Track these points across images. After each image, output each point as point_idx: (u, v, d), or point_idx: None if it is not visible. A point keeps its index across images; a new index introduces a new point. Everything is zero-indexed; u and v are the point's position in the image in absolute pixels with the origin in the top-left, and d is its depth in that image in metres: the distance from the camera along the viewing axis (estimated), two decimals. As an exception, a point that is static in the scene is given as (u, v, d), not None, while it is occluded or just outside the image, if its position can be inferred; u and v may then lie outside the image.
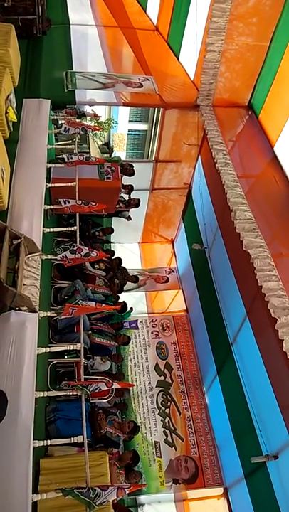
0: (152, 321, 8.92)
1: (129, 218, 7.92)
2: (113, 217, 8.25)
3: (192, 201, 8.77)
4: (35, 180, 5.44)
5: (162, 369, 8.23)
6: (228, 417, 6.80)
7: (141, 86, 7.36)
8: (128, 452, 5.59)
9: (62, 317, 4.77)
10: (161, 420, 7.57)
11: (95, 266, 7.09)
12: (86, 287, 6.37)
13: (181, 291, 9.60)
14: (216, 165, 6.31)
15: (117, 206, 7.41)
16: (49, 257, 5.11)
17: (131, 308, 7.61)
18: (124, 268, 7.44)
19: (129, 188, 7.53)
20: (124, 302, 7.14)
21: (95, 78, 7.27)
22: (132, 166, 7.38)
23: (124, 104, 7.69)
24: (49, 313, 4.75)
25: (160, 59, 8.26)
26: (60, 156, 6.67)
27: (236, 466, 6.33)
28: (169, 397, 7.86)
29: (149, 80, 7.49)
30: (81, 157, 5.93)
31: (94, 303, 5.11)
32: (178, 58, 7.95)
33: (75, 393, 4.29)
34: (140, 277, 9.61)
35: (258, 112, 6.90)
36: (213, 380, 7.50)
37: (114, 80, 7.37)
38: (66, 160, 5.88)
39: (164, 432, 7.45)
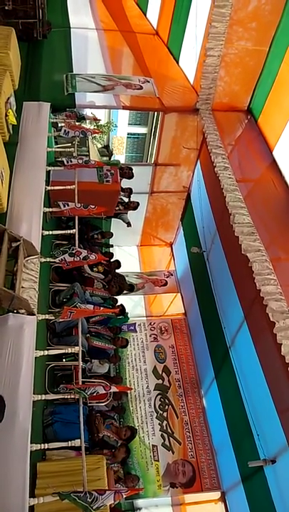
0: (150, 324, 8.91)
1: (128, 224, 7.91)
2: (112, 220, 8.26)
3: (191, 205, 8.79)
4: (35, 183, 5.44)
5: (160, 372, 8.22)
6: (225, 421, 6.79)
7: (141, 88, 7.38)
8: (119, 448, 5.57)
9: (61, 320, 4.77)
10: (159, 424, 7.55)
11: (94, 269, 7.09)
12: (84, 290, 6.36)
13: (179, 294, 9.61)
14: (215, 169, 6.32)
15: (117, 208, 7.41)
16: (48, 259, 5.12)
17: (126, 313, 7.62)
18: (121, 276, 7.43)
19: (129, 191, 7.54)
20: (122, 305, 7.14)
21: (94, 80, 7.28)
22: (131, 169, 7.40)
23: (124, 108, 7.71)
24: (47, 316, 4.75)
25: (160, 63, 8.29)
26: (60, 159, 6.68)
27: (234, 470, 6.31)
28: (166, 401, 7.85)
29: (149, 81, 7.50)
30: (80, 160, 5.95)
31: (92, 306, 5.12)
32: (178, 62, 7.98)
33: (72, 396, 4.29)
34: (138, 281, 9.62)
35: (257, 116, 6.92)
36: (211, 384, 7.50)
37: (114, 82, 7.38)
38: (65, 163, 5.89)
39: (162, 435, 7.44)
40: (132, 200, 7.73)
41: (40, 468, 4.28)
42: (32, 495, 3.68)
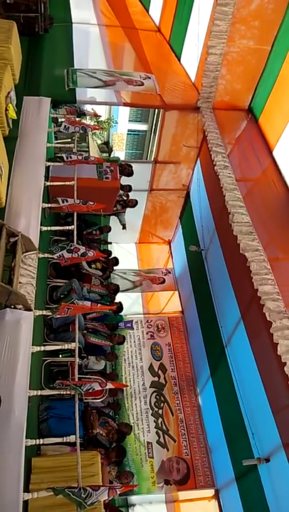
0: (147, 321, 8.92)
1: (124, 227, 7.87)
2: (111, 217, 8.25)
3: (190, 203, 8.78)
4: (34, 179, 5.42)
5: (156, 370, 8.23)
6: (220, 419, 6.82)
7: (142, 84, 7.35)
8: (112, 450, 5.58)
9: (58, 316, 4.77)
10: (154, 421, 7.57)
11: (92, 265, 7.08)
12: (82, 286, 6.36)
13: (177, 292, 9.61)
14: (215, 167, 6.31)
15: (114, 209, 7.39)
16: (46, 255, 5.10)
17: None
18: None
19: (128, 189, 7.52)
20: (120, 303, 7.14)
21: (95, 75, 7.24)
22: (131, 166, 7.38)
23: (125, 104, 7.68)
24: (44, 312, 4.75)
25: (161, 60, 8.26)
26: (59, 155, 6.65)
27: (228, 468, 6.34)
28: (162, 398, 7.87)
29: (150, 78, 7.47)
30: (80, 156, 5.93)
31: (90, 302, 5.11)
32: (179, 60, 7.96)
33: (68, 392, 4.29)
34: (136, 278, 9.63)
35: (258, 115, 6.91)
36: (206, 382, 7.52)
37: (115, 77, 7.34)
38: (65, 159, 5.87)
39: (157, 432, 7.46)
40: (130, 197, 7.72)
41: (35, 464, 4.29)
42: (26, 490, 3.69)
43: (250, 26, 6.26)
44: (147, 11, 9.32)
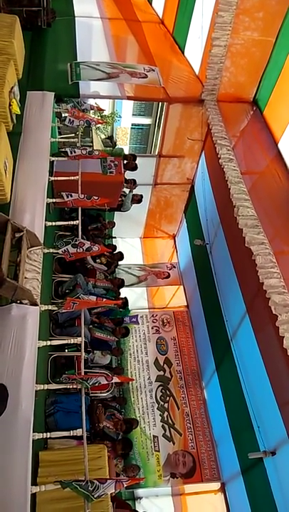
0: (153, 316, 8.93)
1: (136, 200, 7.66)
2: (115, 212, 8.23)
3: (195, 197, 8.75)
4: (38, 174, 5.42)
5: (162, 364, 8.25)
6: (226, 413, 6.83)
7: (146, 77, 7.28)
8: (118, 443, 5.61)
9: (63, 311, 4.79)
10: (160, 415, 7.60)
11: (97, 260, 7.10)
12: (87, 281, 6.38)
13: (182, 286, 9.60)
14: (220, 160, 6.27)
15: (120, 200, 7.38)
16: (51, 250, 5.12)
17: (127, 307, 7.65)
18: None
19: (132, 183, 7.49)
20: (125, 298, 7.15)
21: (99, 68, 7.18)
22: (135, 158, 7.35)
23: (128, 98, 7.63)
24: (50, 307, 4.77)
25: (165, 52, 8.19)
26: (63, 150, 6.64)
27: (234, 461, 6.36)
28: (168, 392, 7.89)
29: (154, 70, 7.40)
30: (84, 151, 5.91)
31: (95, 297, 5.13)
32: (183, 52, 7.88)
33: (75, 386, 4.32)
34: (141, 273, 9.63)
35: (263, 107, 6.85)
36: (212, 376, 7.53)
37: (118, 69, 7.26)
38: (69, 153, 5.86)
39: (163, 426, 7.49)
40: (135, 192, 7.69)
41: (42, 457, 4.33)
42: (34, 483, 3.73)
43: (255, 17, 6.19)
44: (150, 3, 9.25)
